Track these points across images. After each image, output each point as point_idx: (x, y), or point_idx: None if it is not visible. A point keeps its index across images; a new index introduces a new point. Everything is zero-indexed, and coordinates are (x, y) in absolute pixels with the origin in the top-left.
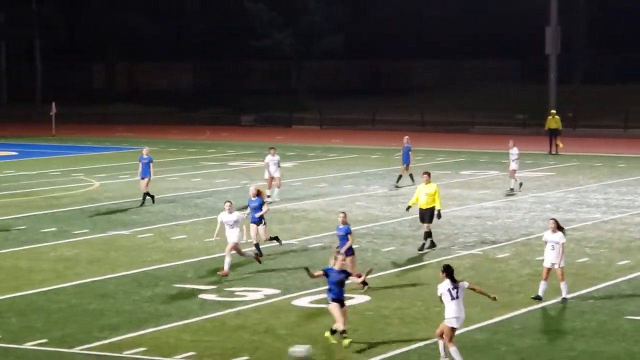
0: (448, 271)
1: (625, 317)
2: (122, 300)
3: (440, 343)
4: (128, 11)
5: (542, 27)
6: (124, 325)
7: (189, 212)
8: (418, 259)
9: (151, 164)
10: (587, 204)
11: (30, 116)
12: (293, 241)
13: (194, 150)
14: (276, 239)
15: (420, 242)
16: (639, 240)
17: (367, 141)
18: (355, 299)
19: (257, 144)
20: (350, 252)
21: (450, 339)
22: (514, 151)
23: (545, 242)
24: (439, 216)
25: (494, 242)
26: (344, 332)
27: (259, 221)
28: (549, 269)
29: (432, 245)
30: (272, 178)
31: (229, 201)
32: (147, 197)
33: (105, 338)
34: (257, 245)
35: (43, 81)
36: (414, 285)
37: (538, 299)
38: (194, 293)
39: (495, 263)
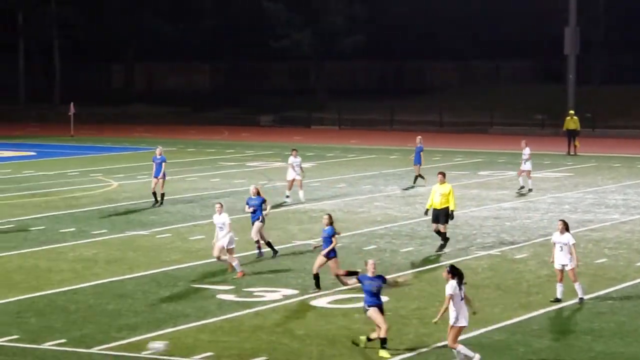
0: (455, 272)
1: None
2: (141, 301)
3: (461, 348)
4: (146, 11)
5: (560, 27)
6: (142, 326)
7: (207, 212)
8: (436, 259)
9: (164, 164)
10: (605, 205)
11: (48, 116)
12: (311, 241)
13: (212, 150)
14: (269, 244)
15: (438, 243)
16: None
17: (385, 141)
18: None
19: (276, 144)
20: (333, 254)
21: (456, 339)
22: (526, 151)
23: (554, 244)
24: (452, 217)
25: (512, 243)
26: (384, 341)
27: (260, 220)
28: (560, 271)
29: (442, 246)
30: (293, 180)
31: (219, 202)
32: (160, 196)
33: (124, 338)
34: (257, 243)
35: (61, 81)
36: (432, 285)
37: (557, 301)
38: (212, 293)
39: (513, 264)
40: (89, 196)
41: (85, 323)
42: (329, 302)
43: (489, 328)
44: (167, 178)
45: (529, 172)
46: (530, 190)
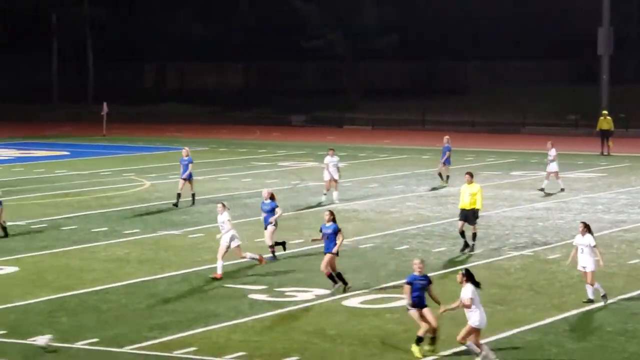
0: (470, 276)
1: None
2: (172, 300)
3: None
4: (178, 11)
5: (594, 26)
6: (174, 325)
7: (238, 212)
8: (467, 260)
9: (190, 165)
10: (639, 205)
11: (81, 116)
12: (344, 241)
13: (244, 150)
14: (282, 244)
15: (471, 243)
16: None
17: (417, 141)
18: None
19: (308, 144)
20: (329, 249)
21: (467, 338)
22: (552, 152)
23: (576, 246)
24: (477, 216)
25: (545, 243)
26: (434, 333)
27: (273, 224)
28: (585, 273)
29: (465, 246)
30: (330, 180)
31: (221, 203)
32: (191, 196)
33: (155, 338)
34: (271, 248)
35: (94, 81)
36: None
37: (590, 302)
38: (244, 293)
39: (546, 264)
40: (122, 196)
41: (117, 322)
42: (361, 302)
43: (522, 329)
44: (198, 178)
45: (556, 173)
46: (562, 189)
